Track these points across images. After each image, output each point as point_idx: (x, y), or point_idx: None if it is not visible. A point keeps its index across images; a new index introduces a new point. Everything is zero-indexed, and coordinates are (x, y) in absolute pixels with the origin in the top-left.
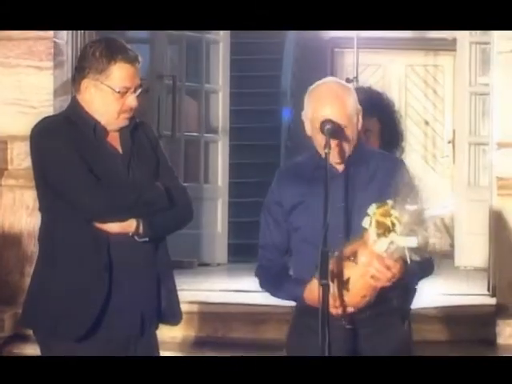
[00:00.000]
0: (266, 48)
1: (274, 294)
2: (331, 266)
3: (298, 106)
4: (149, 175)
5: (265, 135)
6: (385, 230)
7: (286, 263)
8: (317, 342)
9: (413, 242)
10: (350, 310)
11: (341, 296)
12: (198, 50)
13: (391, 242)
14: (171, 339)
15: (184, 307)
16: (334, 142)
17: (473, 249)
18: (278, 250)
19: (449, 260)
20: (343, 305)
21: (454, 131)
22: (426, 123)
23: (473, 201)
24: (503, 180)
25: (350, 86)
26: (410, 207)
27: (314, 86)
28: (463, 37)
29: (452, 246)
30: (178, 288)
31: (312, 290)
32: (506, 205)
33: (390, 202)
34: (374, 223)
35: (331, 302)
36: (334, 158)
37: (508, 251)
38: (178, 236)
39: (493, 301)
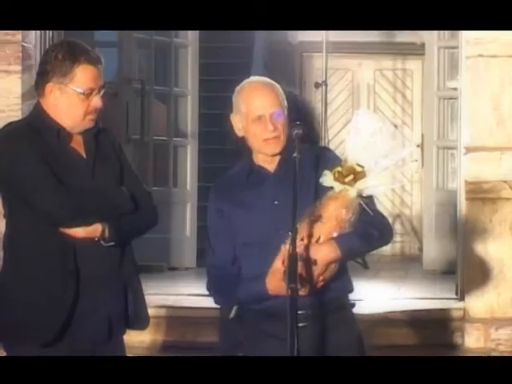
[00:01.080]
0: (235, 52)
1: (232, 298)
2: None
3: None
4: (113, 180)
5: (234, 139)
6: (354, 174)
7: (237, 269)
8: (274, 346)
9: (383, 178)
10: (319, 284)
11: (309, 268)
12: (167, 53)
13: (359, 189)
14: (139, 343)
15: (152, 312)
16: (273, 137)
17: (441, 252)
18: (227, 257)
19: (417, 263)
20: (312, 278)
21: (422, 135)
22: (395, 127)
23: (441, 204)
24: (471, 184)
25: (274, 83)
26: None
27: (239, 86)
28: (432, 41)
29: (420, 249)
30: (146, 292)
31: (272, 275)
32: (474, 208)
33: (343, 158)
34: (337, 175)
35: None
36: (264, 158)
37: (476, 255)
38: (147, 240)
39: (461, 305)
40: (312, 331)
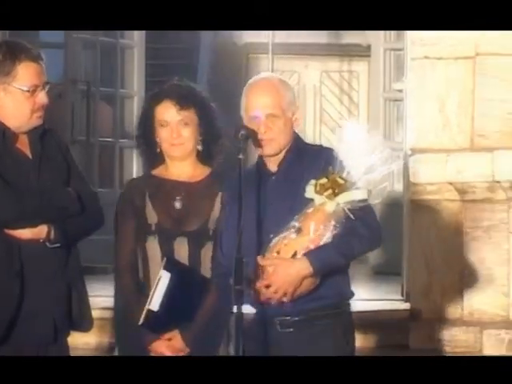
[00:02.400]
0: (181, 53)
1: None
2: (275, 247)
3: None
4: (59, 181)
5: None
6: (332, 188)
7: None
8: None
9: (362, 193)
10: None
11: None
12: (113, 54)
13: (338, 203)
14: (84, 345)
15: (97, 313)
16: (266, 139)
17: (387, 254)
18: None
19: (364, 265)
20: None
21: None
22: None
23: (387, 206)
24: (417, 185)
25: (288, 83)
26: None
27: (252, 79)
28: (377, 43)
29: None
30: (90, 294)
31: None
32: (420, 210)
33: (330, 168)
34: (318, 187)
35: (272, 289)
36: (268, 160)
37: (421, 256)
38: (92, 242)
39: (406, 306)
40: (297, 337)
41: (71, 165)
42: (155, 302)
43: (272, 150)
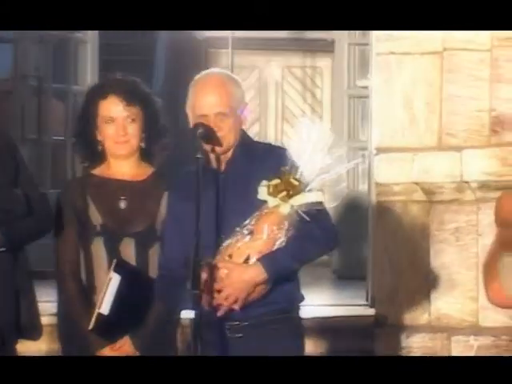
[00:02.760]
0: (137, 48)
1: (174, 303)
2: (225, 252)
3: (172, 110)
4: (5, 181)
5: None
6: (286, 190)
7: (187, 274)
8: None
9: (317, 196)
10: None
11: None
12: (66, 49)
13: (292, 206)
14: (36, 352)
15: (47, 320)
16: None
17: (351, 257)
18: (178, 259)
19: (326, 269)
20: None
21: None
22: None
23: (351, 207)
24: (382, 186)
25: (237, 78)
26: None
27: (199, 75)
28: (342, 38)
29: (330, 254)
30: (40, 300)
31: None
32: (385, 212)
33: (283, 168)
34: (271, 189)
35: (223, 294)
36: (215, 159)
37: (387, 260)
38: (42, 245)
39: (371, 311)
40: (247, 342)
41: (20, 165)
42: (105, 306)
43: (222, 148)
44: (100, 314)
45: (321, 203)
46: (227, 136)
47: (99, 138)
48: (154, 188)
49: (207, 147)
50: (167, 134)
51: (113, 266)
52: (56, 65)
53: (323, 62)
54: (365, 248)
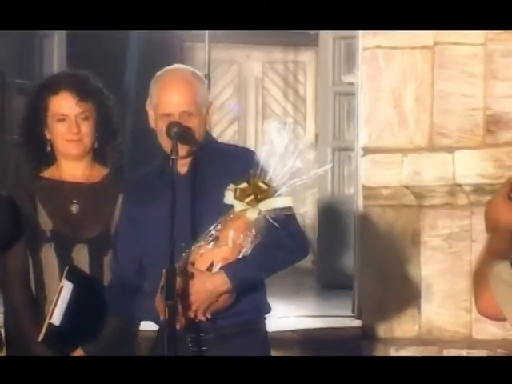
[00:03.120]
0: (108, 41)
1: (127, 313)
2: (190, 259)
3: (142, 107)
4: None
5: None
6: (254, 194)
7: (140, 281)
8: None
9: (287, 201)
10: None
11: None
12: (30, 42)
13: (260, 211)
14: None
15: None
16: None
17: (337, 265)
18: (130, 266)
19: (310, 277)
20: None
21: (316, 135)
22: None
23: (337, 212)
24: (369, 189)
25: (201, 75)
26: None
27: (161, 71)
28: (326, 31)
29: (314, 262)
30: None
31: (158, 302)
32: (373, 216)
33: (251, 172)
34: (238, 193)
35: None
36: (177, 160)
37: (374, 268)
38: None
39: (358, 323)
40: (214, 355)
41: None
42: (57, 316)
43: (184, 158)
44: (51, 325)
45: (290, 208)
46: (192, 136)
47: (48, 137)
48: (108, 191)
49: (167, 149)
50: (120, 133)
51: (65, 274)
52: (20, 58)
53: (306, 57)
54: (351, 256)
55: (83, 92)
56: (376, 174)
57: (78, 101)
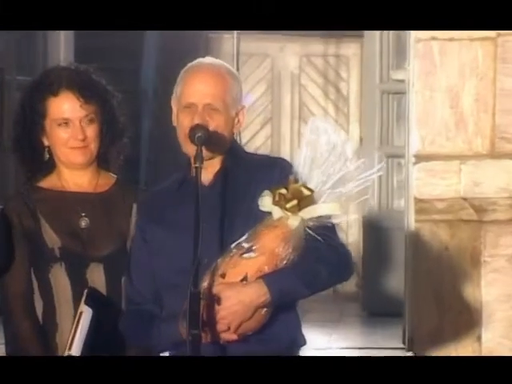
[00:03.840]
0: (122, 34)
1: (143, 343)
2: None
3: (163, 108)
4: None
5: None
6: (297, 200)
7: (158, 308)
8: None
9: (332, 209)
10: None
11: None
12: (33, 34)
13: (302, 219)
14: None
15: None
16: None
17: (385, 289)
18: (146, 290)
19: (354, 303)
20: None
21: (361, 139)
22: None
23: (385, 229)
24: (422, 202)
25: (238, 74)
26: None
27: (192, 62)
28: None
29: (358, 285)
30: None
31: (182, 328)
32: (426, 233)
33: (291, 177)
34: (277, 197)
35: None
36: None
37: (428, 292)
38: None
39: (409, 355)
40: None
41: None
42: (77, 346)
43: (208, 167)
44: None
45: (335, 218)
46: (212, 149)
47: (47, 143)
48: (120, 200)
49: (188, 151)
50: (126, 133)
51: (84, 298)
52: (21, 54)
53: (350, 50)
54: (401, 278)
55: (87, 91)
56: (430, 184)
57: (82, 102)
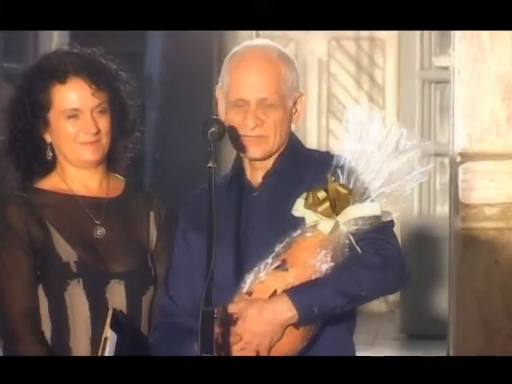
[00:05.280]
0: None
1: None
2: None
3: (171, 98)
4: None
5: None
6: (331, 201)
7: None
8: None
9: (374, 208)
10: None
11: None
12: None
13: (338, 222)
14: None
15: None
16: (254, 136)
17: (425, 307)
18: (184, 301)
19: (390, 324)
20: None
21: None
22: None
23: (425, 238)
24: (469, 207)
25: (291, 56)
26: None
27: (238, 47)
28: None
29: (396, 304)
30: None
31: None
32: (474, 243)
33: (328, 175)
34: (311, 200)
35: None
36: (250, 167)
37: (476, 310)
38: None
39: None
40: None
41: None
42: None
43: (260, 152)
44: None
45: (378, 218)
46: (271, 135)
47: (49, 140)
48: (134, 207)
49: (243, 151)
50: (137, 126)
51: (109, 322)
52: (9, 40)
53: (386, 34)
54: (444, 295)
55: (99, 77)
56: (478, 187)
57: (94, 90)
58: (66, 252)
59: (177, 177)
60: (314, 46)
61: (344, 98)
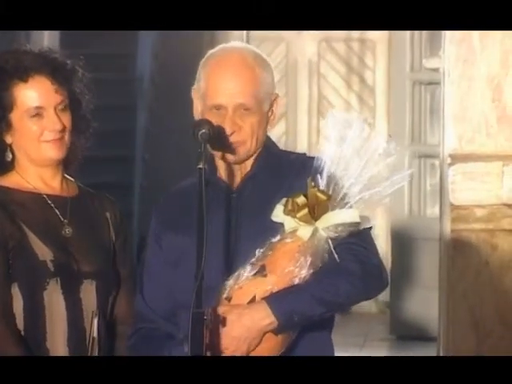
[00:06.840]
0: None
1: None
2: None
3: (161, 98)
4: None
5: (114, 142)
6: (310, 207)
7: (173, 327)
8: None
9: (353, 215)
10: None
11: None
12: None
13: (317, 229)
14: None
15: None
16: (232, 142)
17: (416, 309)
18: (160, 307)
19: (380, 326)
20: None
21: (389, 137)
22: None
23: (416, 239)
24: (459, 208)
25: (267, 58)
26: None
27: (213, 49)
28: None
29: (387, 306)
30: None
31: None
32: (465, 245)
33: (308, 180)
34: (290, 206)
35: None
36: (225, 169)
37: (467, 313)
38: None
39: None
40: None
41: None
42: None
43: (238, 156)
44: None
45: (357, 225)
46: (248, 140)
47: (9, 140)
48: (92, 209)
49: (216, 153)
50: (91, 123)
51: (96, 321)
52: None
53: (376, 34)
54: (434, 297)
55: (58, 73)
56: (468, 188)
57: (57, 88)
58: (42, 250)
59: (167, 178)
60: (304, 47)
61: (334, 99)
